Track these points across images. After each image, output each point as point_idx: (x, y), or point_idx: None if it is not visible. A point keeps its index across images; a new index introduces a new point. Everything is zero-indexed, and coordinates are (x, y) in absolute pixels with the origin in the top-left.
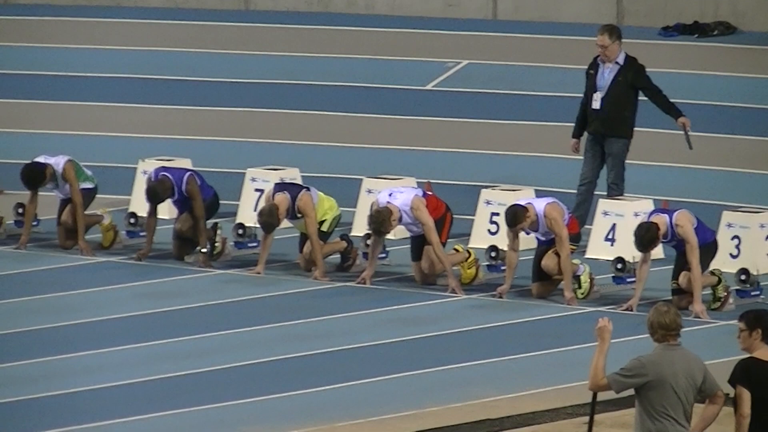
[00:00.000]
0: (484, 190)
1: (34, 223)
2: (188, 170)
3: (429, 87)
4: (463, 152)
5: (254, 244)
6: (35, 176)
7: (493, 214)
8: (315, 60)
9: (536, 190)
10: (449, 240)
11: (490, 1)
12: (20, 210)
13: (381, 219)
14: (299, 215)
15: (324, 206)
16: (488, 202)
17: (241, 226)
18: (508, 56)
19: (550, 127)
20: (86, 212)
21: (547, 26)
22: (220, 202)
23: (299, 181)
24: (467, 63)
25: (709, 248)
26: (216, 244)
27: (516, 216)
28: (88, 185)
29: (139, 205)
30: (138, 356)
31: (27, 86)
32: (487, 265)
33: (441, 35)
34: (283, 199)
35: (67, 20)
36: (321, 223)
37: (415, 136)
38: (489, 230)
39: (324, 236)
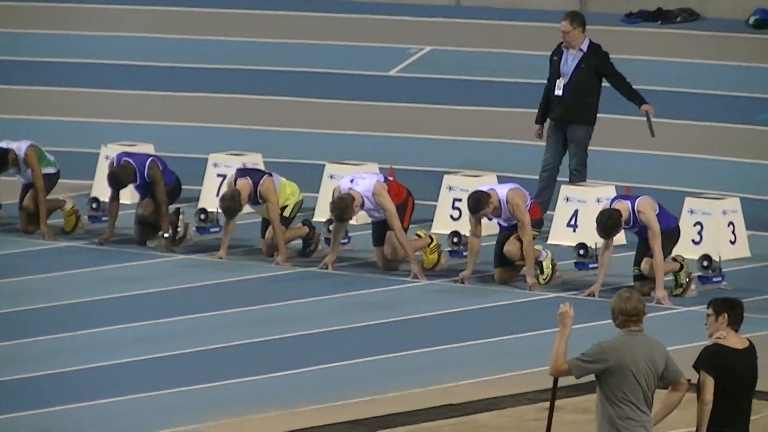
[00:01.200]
0: (446, 176)
1: None
2: (150, 155)
3: (392, 73)
4: (425, 138)
5: (216, 229)
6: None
7: (456, 199)
8: (277, 45)
9: (499, 176)
10: (411, 225)
11: None
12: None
13: (343, 205)
14: (261, 201)
15: (286, 191)
16: (451, 188)
17: (203, 211)
18: (472, 42)
19: (512, 113)
20: (48, 197)
21: (512, 12)
22: (183, 187)
23: (261, 167)
24: (430, 49)
25: (671, 234)
26: (178, 229)
27: (479, 202)
28: (51, 170)
29: (102, 190)
30: (100, 341)
31: None
32: (450, 251)
33: (404, 21)
34: (245, 184)
35: (28, 5)
36: (283, 208)
37: (377, 121)
38: (451, 216)
39: (286, 221)
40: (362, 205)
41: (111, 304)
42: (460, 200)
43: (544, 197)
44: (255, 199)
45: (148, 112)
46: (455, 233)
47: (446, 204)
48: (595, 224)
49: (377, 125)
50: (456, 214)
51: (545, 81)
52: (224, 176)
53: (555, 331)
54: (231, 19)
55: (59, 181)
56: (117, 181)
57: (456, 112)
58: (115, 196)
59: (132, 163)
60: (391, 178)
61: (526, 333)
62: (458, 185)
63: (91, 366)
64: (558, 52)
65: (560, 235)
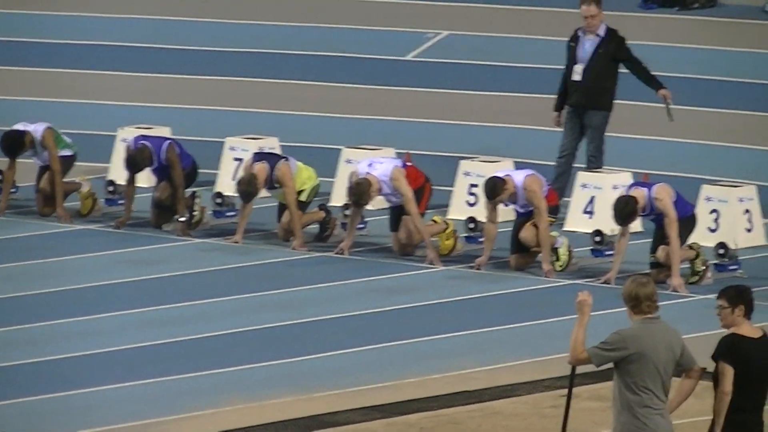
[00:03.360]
0: (463, 162)
1: (13, 190)
2: (167, 138)
3: (409, 57)
4: (442, 123)
5: (233, 213)
6: (15, 144)
7: (472, 185)
8: (295, 28)
9: (515, 162)
10: (428, 211)
11: None
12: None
13: (361, 190)
14: (278, 185)
15: (303, 176)
16: (467, 174)
17: (219, 195)
18: (489, 27)
19: (530, 99)
20: (65, 179)
21: None
22: (199, 170)
23: (278, 151)
24: (448, 34)
25: (688, 222)
26: (195, 213)
27: (495, 188)
28: (67, 152)
29: (118, 173)
30: (117, 324)
31: (5, 52)
32: (466, 237)
33: (422, 5)
34: (261, 168)
35: None
36: (300, 192)
37: (395, 106)
38: (468, 202)
39: (303, 206)
40: (380, 190)
41: (127, 287)
42: (477, 186)
43: (561, 183)
44: (271, 183)
45: (165, 95)
46: (471, 219)
47: (462, 189)
48: (611, 211)
49: (394, 110)
50: (472, 199)
51: (562, 66)
52: (241, 160)
53: (571, 318)
54: (248, 2)
55: (76, 163)
56: (134, 164)
57: (472, 97)
58: (131, 180)
59: (149, 146)
60: (409, 163)
61: (542, 320)
62: (475, 171)
63: (106, 350)
64: (575, 38)
65: (576, 222)
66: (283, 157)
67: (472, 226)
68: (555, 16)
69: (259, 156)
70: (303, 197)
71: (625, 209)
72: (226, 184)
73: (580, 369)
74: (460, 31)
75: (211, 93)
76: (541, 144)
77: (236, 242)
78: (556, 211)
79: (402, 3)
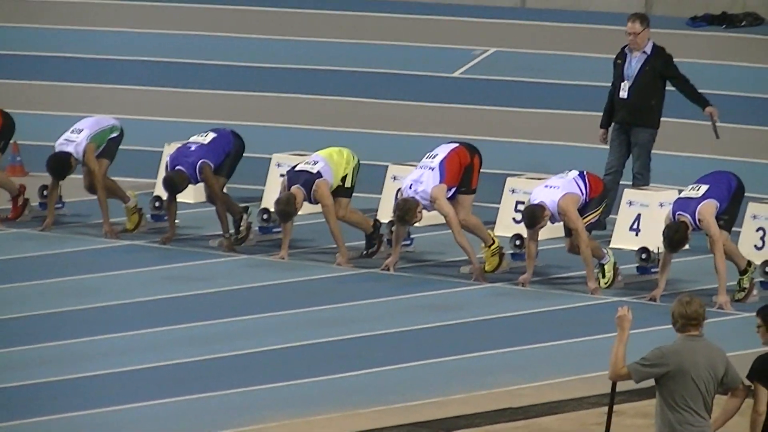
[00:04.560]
0: (509, 179)
1: (59, 205)
2: (201, 157)
3: (456, 74)
4: (489, 140)
5: (279, 230)
6: (61, 167)
7: (519, 202)
8: (342, 45)
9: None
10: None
11: None
12: (45, 192)
13: (407, 208)
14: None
15: (342, 163)
16: (513, 191)
17: (266, 211)
18: (536, 44)
19: (576, 116)
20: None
21: (576, 15)
22: (245, 186)
23: (324, 166)
24: (495, 51)
25: (736, 195)
26: (240, 229)
27: (534, 217)
28: (114, 134)
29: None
30: (163, 340)
31: (55, 68)
32: (512, 254)
33: (469, 22)
34: (298, 191)
35: (94, 2)
36: (343, 179)
37: (442, 122)
38: (514, 218)
39: (347, 192)
40: (425, 208)
41: (174, 303)
42: (523, 203)
43: (608, 200)
44: (311, 200)
45: (213, 111)
46: (517, 236)
47: (508, 206)
48: (662, 237)
49: (441, 126)
50: (518, 216)
51: (608, 84)
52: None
53: (615, 335)
54: (298, 19)
55: (124, 178)
56: (173, 186)
57: (519, 114)
58: (171, 199)
59: (184, 170)
60: (455, 146)
61: (588, 337)
62: (521, 188)
63: (153, 365)
64: (622, 56)
65: (622, 239)
66: (317, 175)
67: (518, 243)
68: (601, 33)
69: (294, 178)
70: (348, 183)
71: (675, 237)
72: (273, 201)
73: (625, 386)
74: (507, 48)
75: (258, 109)
76: (588, 161)
77: (282, 258)
78: (600, 202)
79: (449, 20)
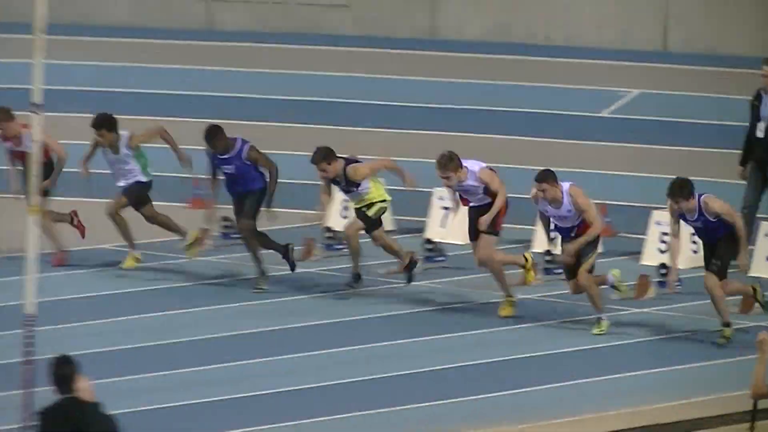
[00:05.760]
0: (655, 211)
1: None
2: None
3: (604, 114)
4: (635, 175)
5: (441, 259)
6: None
7: (663, 233)
8: (495, 86)
9: None
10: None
11: (661, 34)
12: (226, 223)
13: (449, 156)
14: (353, 189)
15: (379, 191)
16: (659, 223)
17: (429, 241)
18: (677, 86)
19: (716, 153)
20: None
21: (715, 58)
22: (410, 218)
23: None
24: (639, 92)
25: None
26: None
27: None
28: (143, 178)
29: (333, 220)
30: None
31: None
32: (659, 281)
33: (616, 65)
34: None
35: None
36: (369, 206)
37: (590, 159)
38: (659, 249)
39: (369, 221)
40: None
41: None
42: (667, 234)
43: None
44: (346, 186)
45: (374, 150)
46: (663, 265)
47: (654, 237)
48: None
49: (589, 162)
50: (663, 247)
51: (746, 123)
52: (448, 209)
53: (754, 357)
54: (457, 62)
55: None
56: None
57: (663, 151)
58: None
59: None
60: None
61: (729, 359)
62: (665, 221)
63: (313, 386)
64: (758, 97)
65: (761, 268)
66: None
67: (663, 272)
68: (739, 76)
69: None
70: (370, 213)
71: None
72: (435, 231)
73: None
74: (650, 89)
75: (422, 146)
76: (727, 196)
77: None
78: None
79: (596, 63)
